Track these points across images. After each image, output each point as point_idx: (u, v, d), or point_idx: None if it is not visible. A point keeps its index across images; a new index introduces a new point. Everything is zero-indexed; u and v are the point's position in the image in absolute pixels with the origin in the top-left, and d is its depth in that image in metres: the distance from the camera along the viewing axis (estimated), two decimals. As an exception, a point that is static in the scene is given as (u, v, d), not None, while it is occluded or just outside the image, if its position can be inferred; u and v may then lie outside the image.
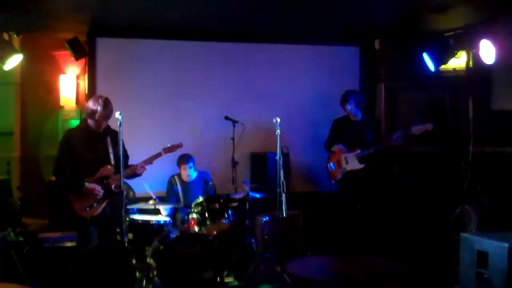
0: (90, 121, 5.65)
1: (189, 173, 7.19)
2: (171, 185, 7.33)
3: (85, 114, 5.75)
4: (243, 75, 8.06)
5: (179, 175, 7.30)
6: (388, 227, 7.19)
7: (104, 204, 5.67)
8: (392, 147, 6.96)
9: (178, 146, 6.27)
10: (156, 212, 6.66)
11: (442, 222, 6.63)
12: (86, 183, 5.56)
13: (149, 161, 5.96)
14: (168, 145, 6.13)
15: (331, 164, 7.19)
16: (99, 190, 5.61)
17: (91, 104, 5.62)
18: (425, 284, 6.11)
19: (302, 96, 8.12)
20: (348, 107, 7.12)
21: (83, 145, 5.66)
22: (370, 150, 6.89)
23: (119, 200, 5.52)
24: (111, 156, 5.74)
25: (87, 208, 5.56)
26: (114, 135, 5.74)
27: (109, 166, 5.73)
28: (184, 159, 7.17)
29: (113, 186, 5.68)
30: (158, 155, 6.04)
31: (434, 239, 6.70)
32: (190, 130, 7.81)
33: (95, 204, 5.60)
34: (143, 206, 6.61)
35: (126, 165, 5.78)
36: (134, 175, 5.93)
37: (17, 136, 7.89)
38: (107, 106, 5.59)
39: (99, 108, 5.57)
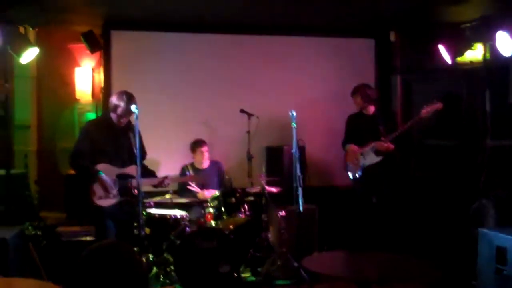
0: (112, 115, 5.74)
1: (205, 157, 7.21)
2: (183, 174, 7.33)
3: (101, 107, 5.79)
4: (258, 68, 8.03)
5: (192, 164, 7.32)
6: (405, 222, 7.17)
7: (117, 200, 5.70)
8: (408, 137, 6.90)
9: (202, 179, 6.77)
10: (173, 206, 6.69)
11: (459, 217, 6.60)
12: (101, 173, 5.59)
13: (176, 180, 6.34)
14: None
15: (349, 163, 7.14)
16: (110, 185, 5.65)
17: (114, 99, 5.71)
18: (443, 280, 6.09)
19: (318, 89, 8.09)
20: (356, 99, 7.09)
21: (104, 136, 5.72)
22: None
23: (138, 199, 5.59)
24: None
25: (102, 197, 5.58)
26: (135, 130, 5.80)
27: (135, 166, 5.75)
28: (200, 142, 7.26)
29: (133, 188, 5.71)
30: (185, 178, 6.46)
31: (452, 234, 6.67)
32: (205, 123, 7.82)
33: (111, 196, 5.63)
34: (160, 200, 6.63)
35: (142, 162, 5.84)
36: (158, 185, 6.06)
37: (34, 129, 7.92)
38: (131, 102, 5.62)
39: (122, 104, 5.65)
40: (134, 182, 5.69)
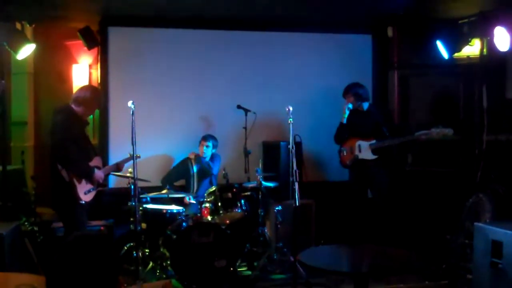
0: (77, 109, 5.65)
1: (205, 152, 7.29)
2: (185, 164, 7.43)
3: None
4: (255, 64, 8.02)
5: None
6: (401, 216, 7.17)
7: (95, 192, 5.73)
8: (404, 132, 6.94)
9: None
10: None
11: (456, 212, 6.59)
12: (96, 170, 5.62)
13: (126, 161, 6.18)
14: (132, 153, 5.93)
15: (344, 148, 7.18)
16: (103, 179, 5.78)
17: (86, 93, 5.71)
18: (438, 274, 6.10)
19: (315, 84, 8.07)
20: (348, 99, 7.14)
21: (78, 129, 5.69)
22: (385, 143, 6.85)
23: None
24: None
25: (85, 193, 5.57)
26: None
27: (99, 157, 5.90)
28: (205, 136, 7.35)
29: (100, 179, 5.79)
30: (127, 159, 6.17)
31: (448, 228, 6.66)
32: (202, 119, 7.82)
33: (91, 190, 5.64)
34: (156, 195, 6.64)
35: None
36: (117, 170, 6.20)
37: (31, 126, 7.92)
38: (101, 96, 5.86)
39: (95, 98, 5.74)
40: (99, 173, 5.71)
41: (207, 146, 7.27)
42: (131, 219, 6.26)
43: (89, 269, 2.27)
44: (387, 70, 8.29)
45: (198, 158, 7.28)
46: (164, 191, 6.63)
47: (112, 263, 2.35)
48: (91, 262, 2.28)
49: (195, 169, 7.35)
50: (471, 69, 7.54)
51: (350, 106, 7.09)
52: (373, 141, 6.91)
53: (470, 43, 7.08)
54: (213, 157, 7.39)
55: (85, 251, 2.30)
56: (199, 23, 7.80)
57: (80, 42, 7.49)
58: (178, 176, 7.45)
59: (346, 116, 7.12)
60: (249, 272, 6.50)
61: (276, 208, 6.69)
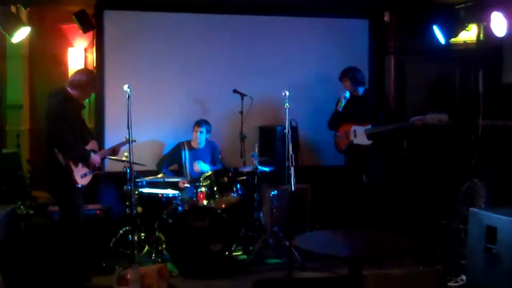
0: (73, 92, 5.60)
1: (199, 137, 7.25)
2: (178, 149, 7.38)
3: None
4: (251, 48, 7.99)
5: (189, 141, 7.38)
6: (396, 201, 7.19)
7: (91, 176, 5.71)
8: (401, 117, 6.96)
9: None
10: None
11: (451, 197, 6.61)
12: (92, 154, 5.60)
13: (122, 145, 6.15)
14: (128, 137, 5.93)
15: (339, 133, 7.20)
16: (99, 162, 5.73)
17: (82, 76, 5.66)
18: (432, 259, 6.13)
19: (311, 69, 8.05)
20: (345, 83, 7.12)
21: (74, 113, 5.64)
22: (381, 128, 6.87)
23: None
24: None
25: (82, 176, 5.55)
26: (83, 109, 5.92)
27: (95, 141, 5.86)
28: (199, 122, 7.30)
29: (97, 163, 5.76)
30: (123, 143, 6.14)
31: (443, 213, 6.68)
32: (198, 103, 7.79)
33: (88, 173, 5.62)
34: (152, 179, 6.65)
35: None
36: (113, 154, 6.18)
37: (26, 109, 7.88)
38: (97, 80, 5.86)
39: (91, 81, 5.69)
40: (95, 157, 5.68)
41: (200, 132, 7.25)
42: (127, 203, 6.27)
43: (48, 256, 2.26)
44: (384, 55, 8.25)
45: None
46: (159, 175, 6.64)
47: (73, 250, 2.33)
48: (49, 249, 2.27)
49: (187, 152, 7.32)
50: (468, 54, 7.54)
51: (347, 95, 7.07)
52: (369, 126, 6.92)
53: (466, 28, 7.05)
54: (214, 150, 7.38)
55: (41, 238, 2.30)
56: (196, 7, 7.75)
57: (75, 26, 7.44)
58: (171, 161, 7.44)
59: (342, 105, 7.10)
60: (245, 256, 6.53)
61: (272, 193, 6.71)
